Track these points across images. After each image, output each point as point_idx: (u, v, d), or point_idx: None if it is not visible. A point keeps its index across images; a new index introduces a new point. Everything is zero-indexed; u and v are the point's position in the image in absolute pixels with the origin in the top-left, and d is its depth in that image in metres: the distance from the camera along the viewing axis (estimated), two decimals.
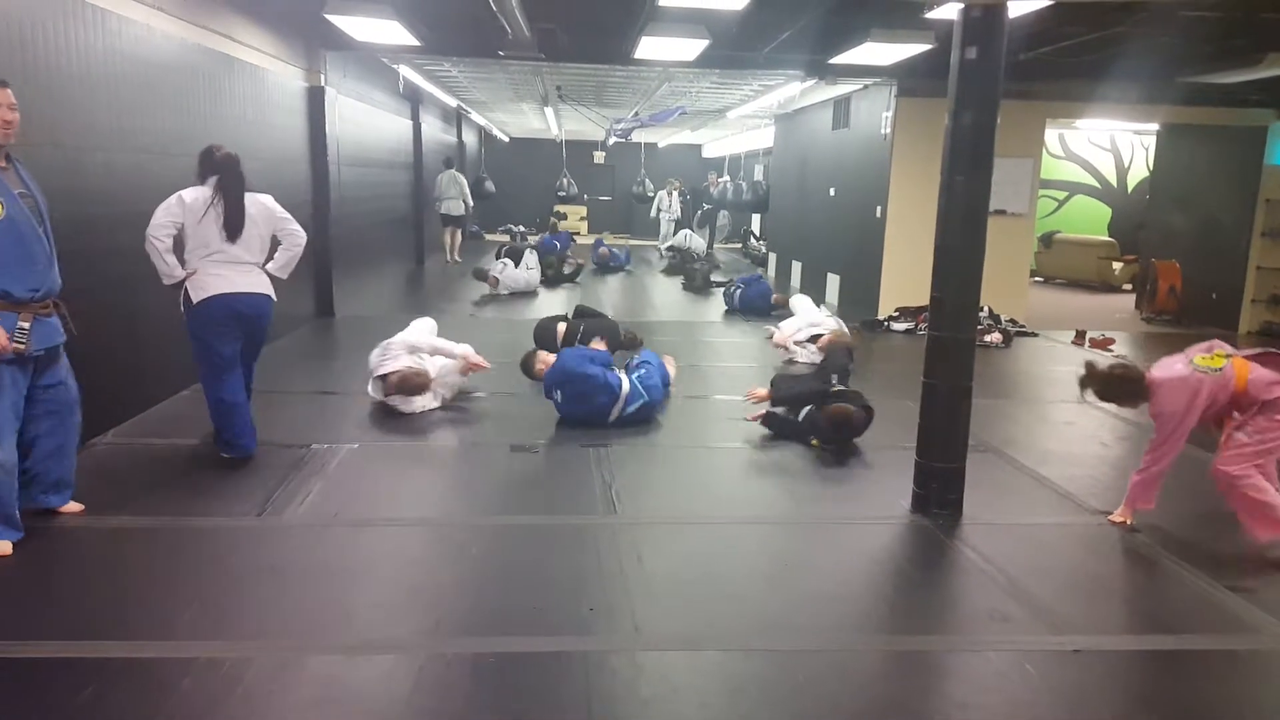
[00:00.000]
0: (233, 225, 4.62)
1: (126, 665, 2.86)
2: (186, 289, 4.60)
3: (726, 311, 11.08)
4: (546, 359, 6.10)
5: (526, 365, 6.32)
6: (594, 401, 5.63)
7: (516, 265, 12.52)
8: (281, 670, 2.87)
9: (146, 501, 4.22)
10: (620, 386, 5.66)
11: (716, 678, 2.92)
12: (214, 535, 3.90)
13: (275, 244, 4.87)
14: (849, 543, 4.12)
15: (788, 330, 8.04)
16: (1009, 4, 4.11)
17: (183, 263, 4.62)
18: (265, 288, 4.79)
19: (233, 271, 4.64)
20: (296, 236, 4.89)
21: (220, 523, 4.02)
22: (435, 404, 5.97)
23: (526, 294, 12.18)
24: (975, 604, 3.54)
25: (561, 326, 7.47)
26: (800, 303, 8.59)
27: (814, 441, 5.34)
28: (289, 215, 4.93)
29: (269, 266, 4.84)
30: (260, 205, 4.80)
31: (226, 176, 4.64)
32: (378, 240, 11.81)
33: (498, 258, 13.00)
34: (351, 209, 10.11)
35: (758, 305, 10.74)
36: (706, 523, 4.25)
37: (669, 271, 15.31)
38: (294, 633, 3.12)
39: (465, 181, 15.33)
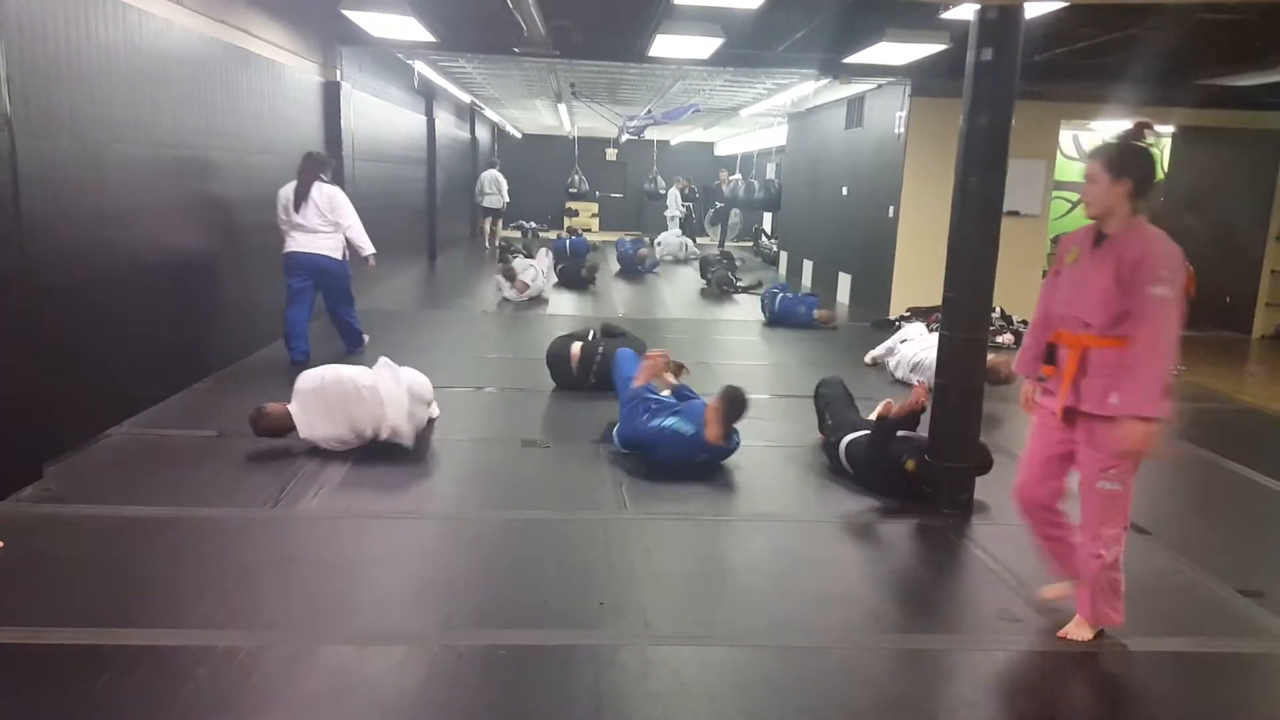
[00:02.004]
0: (298, 201, 6.64)
1: (142, 653, 2.89)
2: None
3: (765, 323, 10.01)
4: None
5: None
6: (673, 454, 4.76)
7: (513, 279, 11.89)
8: (295, 660, 2.90)
9: (161, 492, 4.26)
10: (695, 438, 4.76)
11: (725, 673, 2.94)
12: (228, 526, 3.94)
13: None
14: (858, 541, 4.13)
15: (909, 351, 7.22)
16: (1025, 5, 4.11)
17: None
18: (323, 249, 6.73)
19: (299, 234, 6.67)
20: (344, 224, 6.85)
21: (235, 513, 4.05)
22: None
23: (538, 299, 11.25)
24: (985, 604, 3.55)
25: (576, 349, 6.42)
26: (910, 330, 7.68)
27: (909, 463, 4.48)
28: (344, 208, 6.84)
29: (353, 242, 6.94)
30: (323, 193, 6.71)
31: (300, 169, 6.71)
32: (391, 235, 11.83)
33: (503, 260, 12.34)
34: (365, 204, 10.10)
35: (797, 316, 9.78)
36: (715, 519, 4.27)
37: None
38: (307, 623, 3.15)
39: (504, 180, 17.36)
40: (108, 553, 3.62)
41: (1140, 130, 3.01)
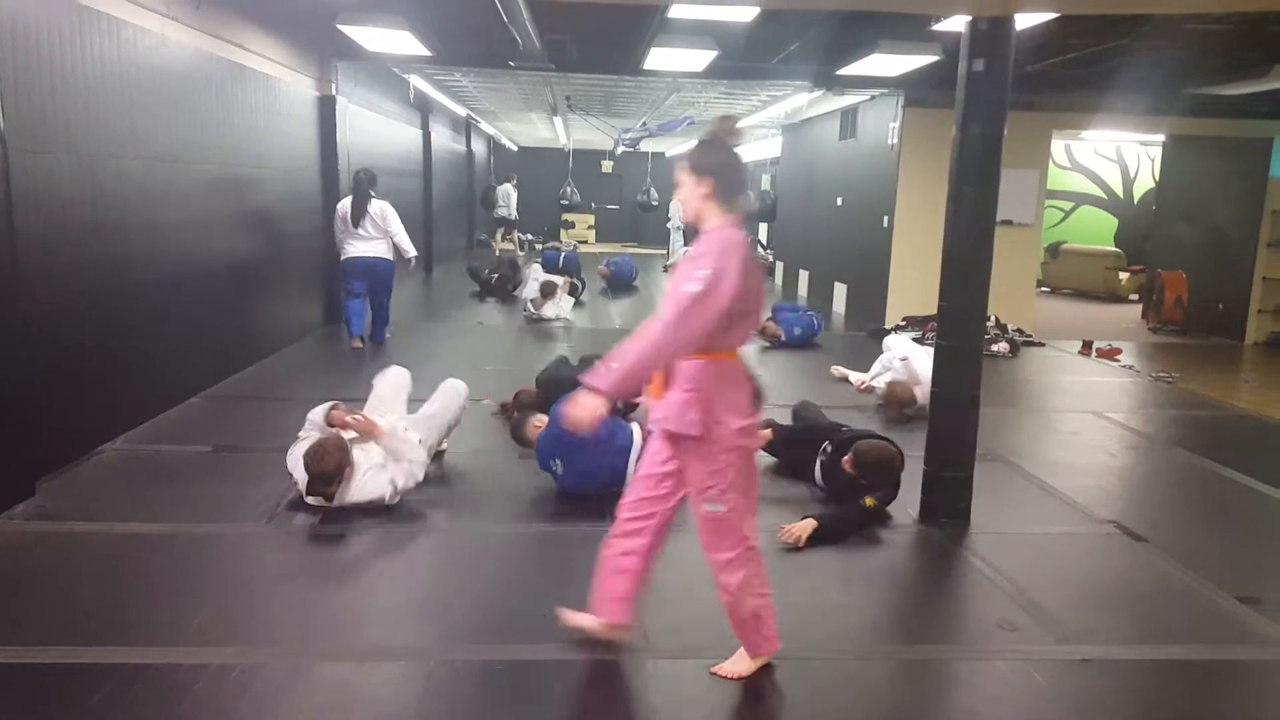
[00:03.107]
0: (355, 216, 7.97)
1: (138, 670, 2.87)
2: (339, 252, 8.18)
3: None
4: (539, 422, 4.77)
5: (517, 432, 4.94)
6: (601, 466, 4.47)
7: (514, 289, 11.95)
8: (292, 676, 2.88)
9: (156, 508, 4.24)
10: (633, 437, 4.54)
11: (725, 686, 2.92)
12: (223, 542, 3.92)
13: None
14: (857, 551, 4.12)
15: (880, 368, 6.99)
16: (1016, 16, 4.13)
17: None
18: (377, 252, 8.12)
19: (358, 242, 8.04)
20: (392, 231, 8.17)
21: (230, 529, 4.03)
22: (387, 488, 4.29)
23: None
24: (983, 613, 3.54)
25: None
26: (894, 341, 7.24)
27: (869, 501, 4.30)
28: (389, 217, 8.11)
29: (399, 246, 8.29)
30: (376, 208, 8.03)
31: (354, 187, 8.09)
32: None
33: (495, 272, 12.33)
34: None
35: (804, 335, 9.24)
36: None
37: None
38: (304, 639, 3.13)
39: (514, 193, 19.53)
40: (102, 569, 3.60)
41: (725, 127, 2.82)
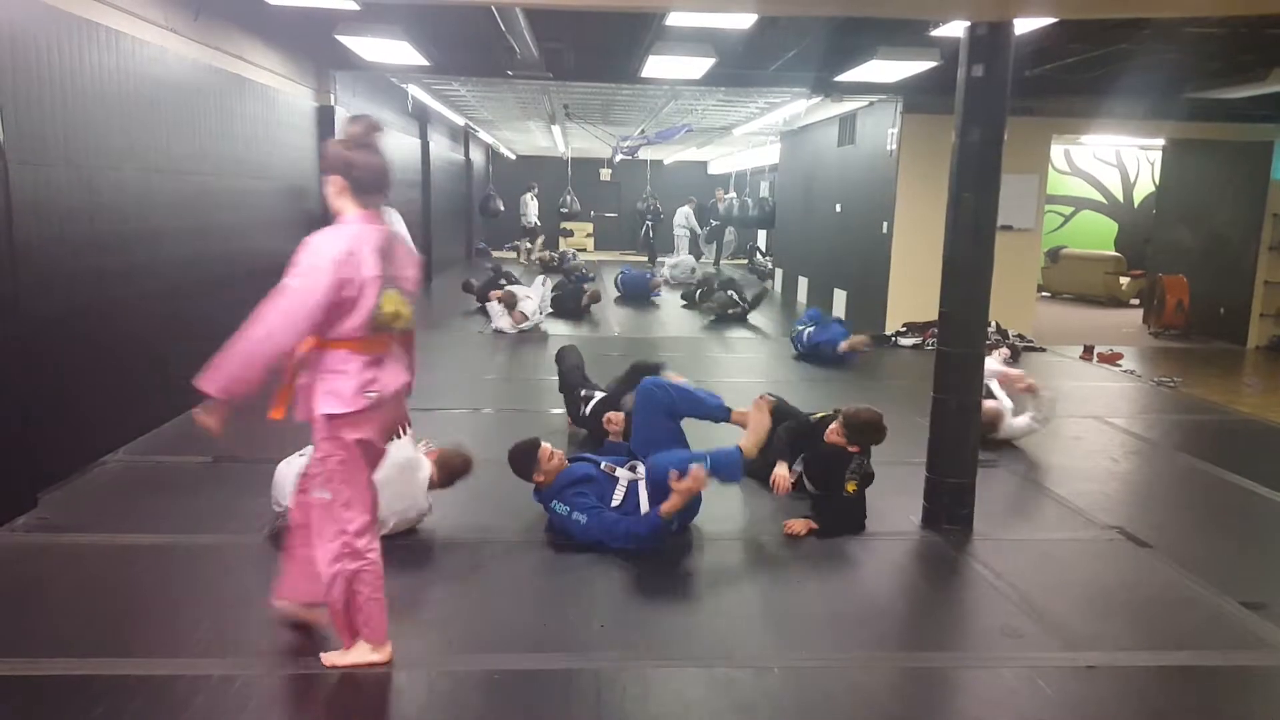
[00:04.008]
0: None
1: (138, 683, 2.86)
2: None
3: (796, 356, 9.05)
4: (551, 466, 4.19)
5: (523, 464, 4.27)
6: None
7: (512, 306, 10.89)
8: (292, 687, 2.87)
9: (156, 519, 4.23)
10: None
11: (727, 694, 2.91)
12: (224, 553, 3.90)
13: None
14: (859, 558, 4.11)
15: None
16: (1015, 21, 4.14)
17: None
18: None
19: None
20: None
21: (230, 540, 4.02)
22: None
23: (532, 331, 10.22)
24: (987, 620, 3.53)
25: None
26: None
27: (850, 487, 4.35)
28: (400, 225, 8.87)
29: None
30: (386, 212, 8.16)
31: None
32: None
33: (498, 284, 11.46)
34: None
35: (826, 353, 8.78)
36: (716, 539, 4.24)
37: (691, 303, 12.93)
38: (304, 650, 3.11)
39: (533, 202, 20.25)
40: (103, 581, 3.59)
41: (352, 130, 2.88)
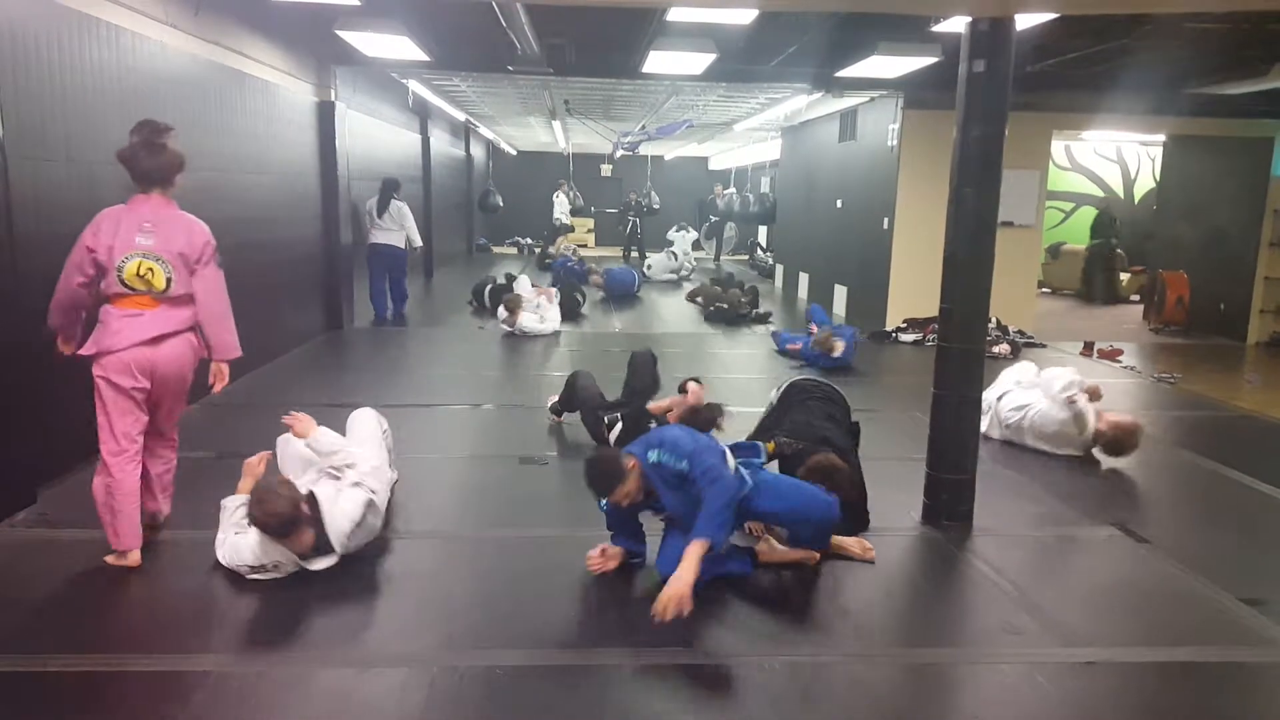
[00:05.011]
0: (380, 210, 10.11)
1: (139, 678, 2.87)
2: (367, 238, 10.20)
3: (802, 366, 8.21)
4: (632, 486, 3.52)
5: (605, 481, 3.55)
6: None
7: (513, 311, 10.46)
8: (293, 684, 2.88)
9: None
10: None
11: (728, 689, 2.92)
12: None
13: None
14: None
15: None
16: (1016, 17, 4.13)
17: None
18: (393, 241, 10.24)
19: (380, 232, 10.16)
20: (406, 226, 10.38)
21: None
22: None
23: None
24: (986, 616, 3.53)
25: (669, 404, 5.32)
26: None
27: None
28: (408, 218, 10.40)
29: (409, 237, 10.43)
30: (395, 206, 10.19)
31: (381, 189, 10.14)
32: None
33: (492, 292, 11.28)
34: (362, 222, 10.16)
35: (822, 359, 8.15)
36: None
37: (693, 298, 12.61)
38: (306, 646, 3.13)
39: (561, 199, 20.60)
40: (103, 578, 3.59)
41: (136, 129, 3.57)
